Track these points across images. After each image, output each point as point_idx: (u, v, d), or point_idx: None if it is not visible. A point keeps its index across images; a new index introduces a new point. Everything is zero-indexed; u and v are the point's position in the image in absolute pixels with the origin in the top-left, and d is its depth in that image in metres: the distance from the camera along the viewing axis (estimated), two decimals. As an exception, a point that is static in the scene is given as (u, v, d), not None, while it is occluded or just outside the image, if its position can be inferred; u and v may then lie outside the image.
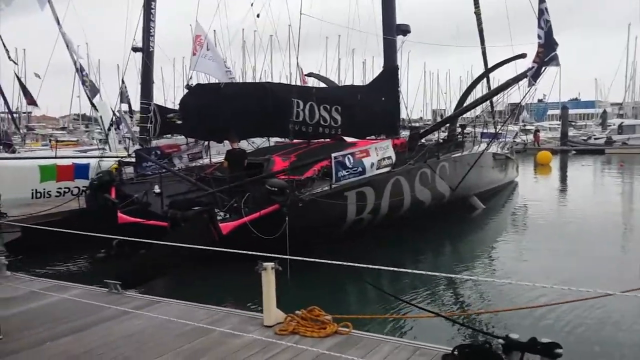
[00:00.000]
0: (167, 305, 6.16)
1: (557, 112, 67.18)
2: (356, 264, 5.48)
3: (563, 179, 31.84)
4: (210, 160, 15.58)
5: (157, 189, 12.12)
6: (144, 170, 14.07)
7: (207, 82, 18.76)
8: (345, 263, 5.32)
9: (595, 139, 51.69)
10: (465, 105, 17.74)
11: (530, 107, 62.62)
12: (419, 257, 12.23)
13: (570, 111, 60.98)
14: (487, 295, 8.91)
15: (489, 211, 17.46)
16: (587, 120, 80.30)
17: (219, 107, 14.06)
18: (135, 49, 19.29)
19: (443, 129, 17.87)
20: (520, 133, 41.76)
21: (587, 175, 33.04)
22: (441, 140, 16.63)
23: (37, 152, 24.80)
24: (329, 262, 5.68)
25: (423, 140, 16.68)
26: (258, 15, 17.87)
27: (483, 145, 18.37)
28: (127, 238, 9.84)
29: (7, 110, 28.61)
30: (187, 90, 15.37)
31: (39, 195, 15.66)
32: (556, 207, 19.98)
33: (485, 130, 22.09)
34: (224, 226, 10.51)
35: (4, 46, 22.01)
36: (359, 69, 53.91)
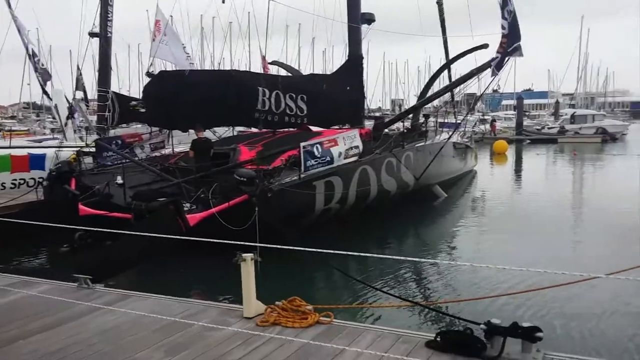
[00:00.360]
0: (140, 299, 6.00)
1: (512, 102, 68.91)
2: (329, 251, 5.43)
3: (519, 167, 32.73)
4: (172, 150, 15.28)
5: (119, 180, 11.80)
6: (105, 160, 13.68)
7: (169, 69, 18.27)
8: (319, 250, 5.29)
9: (549, 128, 53.27)
10: (428, 95, 17.95)
11: (485, 97, 63.99)
12: (387, 245, 12.36)
13: (525, 101, 62.66)
14: (463, 281, 9.07)
15: (451, 199, 17.79)
16: (541, 111, 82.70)
17: (183, 95, 13.77)
18: (92, 34, 18.65)
19: (406, 118, 18.04)
20: (478, 123, 42.66)
21: (542, 163, 34.10)
22: (404, 130, 16.78)
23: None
24: (302, 249, 5.63)
25: (386, 130, 16.81)
26: (223, 1, 17.48)
27: (444, 135, 18.68)
28: (90, 229, 9.60)
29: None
30: (149, 78, 14.99)
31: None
32: (514, 195, 20.58)
33: (445, 120, 22.44)
34: (191, 217, 10.35)
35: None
36: (319, 58, 53.82)
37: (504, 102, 77.85)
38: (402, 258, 5.46)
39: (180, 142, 16.32)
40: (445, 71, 19.94)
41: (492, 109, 70.58)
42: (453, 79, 19.14)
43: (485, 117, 54.75)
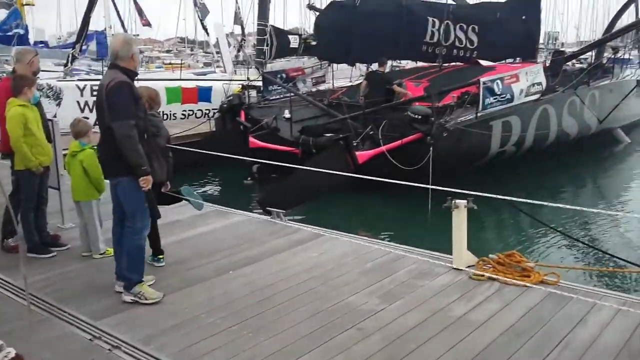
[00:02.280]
0: (334, 238, 5.83)
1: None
2: (532, 201, 4.79)
3: None
4: (332, 85, 15.02)
5: (286, 114, 11.83)
6: (270, 94, 13.78)
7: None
8: (525, 200, 4.67)
9: None
10: (616, 29, 15.70)
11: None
12: (577, 196, 11.10)
13: None
14: None
15: (634, 145, 15.80)
16: None
17: (354, 26, 13.25)
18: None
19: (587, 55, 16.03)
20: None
21: None
22: (588, 66, 14.91)
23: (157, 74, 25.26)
24: (502, 197, 5.03)
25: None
26: None
27: (627, 72, 16.43)
28: (266, 162, 9.68)
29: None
30: (310, 11, 14.68)
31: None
32: None
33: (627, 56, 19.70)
34: (360, 155, 10.09)
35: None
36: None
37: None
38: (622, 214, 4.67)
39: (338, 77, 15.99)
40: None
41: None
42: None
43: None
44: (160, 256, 5.00)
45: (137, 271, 4.22)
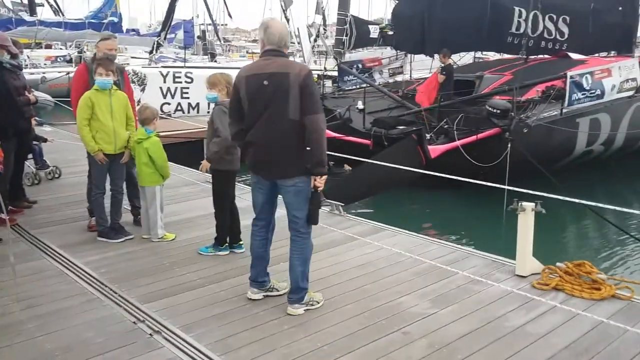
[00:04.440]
0: (393, 234, 5.64)
1: None
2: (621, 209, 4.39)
3: None
4: (410, 76, 14.65)
5: (360, 105, 11.65)
6: (345, 84, 13.65)
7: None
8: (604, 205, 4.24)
9: None
10: None
11: None
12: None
13: None
14: None
15: None
16: None
17: (435, 16, 12.82)
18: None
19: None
20: None
21: None
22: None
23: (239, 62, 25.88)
24: (584, 202, 4.64)
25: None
26: None
27: None
28: (332, 153, 9.60)
29: (211, 22, 30.19)
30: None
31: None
32: None
33: None
34: (433, 149, 9.73)
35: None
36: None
37: None
38: None
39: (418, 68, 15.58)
40: None
41: None
42: None
43: None
44: (241, 242, 5.05)
45: (307, 279, 3.95)
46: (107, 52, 5.44)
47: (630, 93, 10.36)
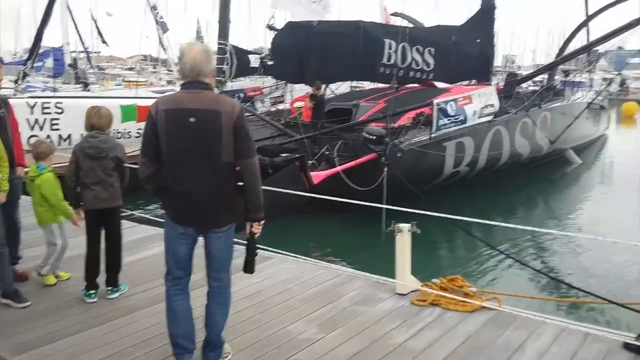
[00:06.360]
0: (283, 261, 5.70)
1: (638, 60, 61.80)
2: (485, 221, 4.85)
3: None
4: (291, 105, 14.98)
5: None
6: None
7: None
8: (476, 220, 4.65)
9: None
10: (568, 52, 16.18)
11: (610, 55, 57.97)
12: (529, 217, 11.24)
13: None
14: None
15: (585, 166, 16.22)
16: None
17: (312, 47, 13.27)
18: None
19: (540, 77, 16.48)
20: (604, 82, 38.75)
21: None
22: (540, 88, 15.30)
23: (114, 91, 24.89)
24: (454, 217, 5.03)
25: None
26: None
27: (577, 95, 16.97)
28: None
29: (83, 49, 28.74)
30: (270, 30, 14.67)
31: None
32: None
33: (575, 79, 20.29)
34: (315, 175, 10.02)
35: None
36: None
37: (632, 60, 70.24)
38: (574, 234, 4.72)
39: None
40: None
41: (617, 67, 64.08)
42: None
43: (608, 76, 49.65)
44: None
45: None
46: None
47: (490, 118, 11.42)
